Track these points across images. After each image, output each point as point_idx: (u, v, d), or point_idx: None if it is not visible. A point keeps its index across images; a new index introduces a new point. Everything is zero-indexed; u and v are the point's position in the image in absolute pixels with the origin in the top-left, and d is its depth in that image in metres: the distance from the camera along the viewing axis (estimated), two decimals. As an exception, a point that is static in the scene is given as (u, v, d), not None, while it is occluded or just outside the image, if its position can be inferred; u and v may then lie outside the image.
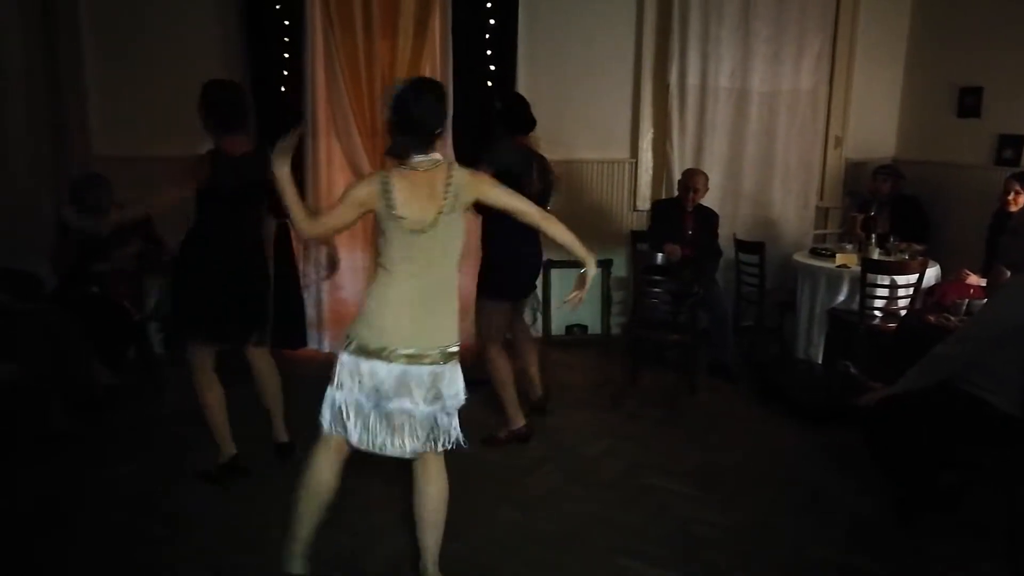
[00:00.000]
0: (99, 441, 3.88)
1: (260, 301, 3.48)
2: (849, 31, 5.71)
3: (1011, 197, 4.42)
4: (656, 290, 4.61)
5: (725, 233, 5.30)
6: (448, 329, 2.47)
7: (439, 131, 2.46)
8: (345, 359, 2.42)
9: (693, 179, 4.98)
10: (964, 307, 3.88)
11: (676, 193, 5.16)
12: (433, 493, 2.56)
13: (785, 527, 3.11)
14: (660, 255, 4.71)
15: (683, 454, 3.79)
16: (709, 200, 5.28)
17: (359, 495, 3.34)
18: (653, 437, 4.02)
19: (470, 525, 3.02)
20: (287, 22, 4.91)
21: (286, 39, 4.93)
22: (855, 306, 4.51)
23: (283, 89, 4.99)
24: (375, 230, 2.45)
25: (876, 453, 3.15)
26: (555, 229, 2.61)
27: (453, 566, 2.79)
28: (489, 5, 5.08)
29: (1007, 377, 2.78)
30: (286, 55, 4.96)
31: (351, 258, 5.36)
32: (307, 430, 3.95)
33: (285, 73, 4.98)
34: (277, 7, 4.91)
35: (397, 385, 2.39)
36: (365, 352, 2.38)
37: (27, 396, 3.65)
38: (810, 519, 3.16)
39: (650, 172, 5.75)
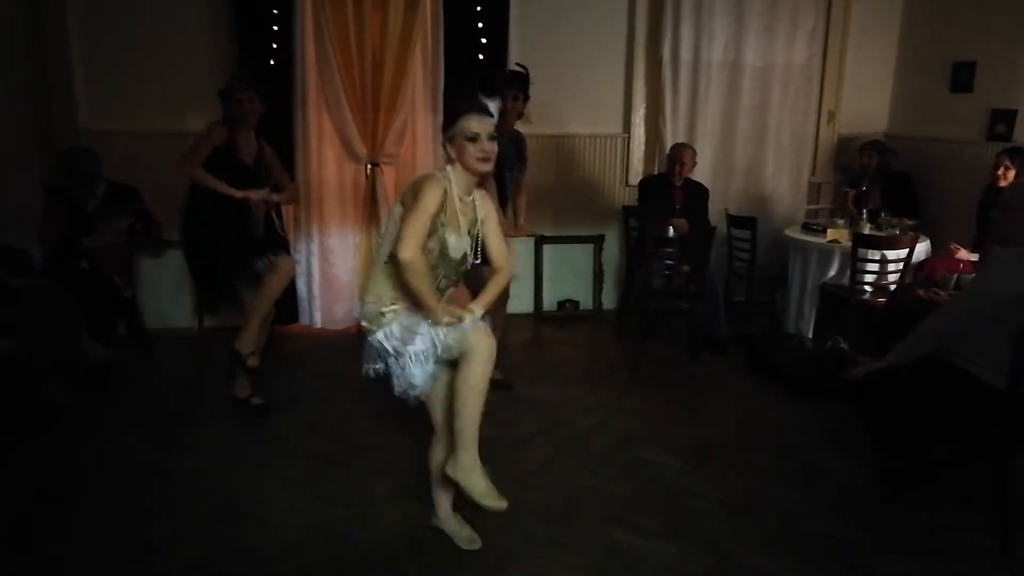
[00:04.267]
0: (95, 415, 3.88)
1: None
2: (843, 5, 5.69)
3: (1001, 172, 4.44)
4: (668, 262, 4.64)
5: (717, 208, 5.30)
6: None
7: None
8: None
9: (680, 153, 4.96)
10: (953, 281, 3.91)
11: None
12: None
13: (777, 499, 3.14)
14: (671, 228, 4.72)
15: (675, 427, 3.82)
16: (701, 175, 5.27)
17: (355, 468, 3.37)
18: (646, 410, 4.04)
19: (463, 498, 3.04)
20: (275, -7, 4.85)
21: (275, 11, 4.86)
22: (846, 281, 4.54)
23: (272, 62, 4.93)
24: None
25: (867, 425, 3.18)
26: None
27: (448, 539, 2.83)
28: (481, -23, 5.03)
29: (994, 350, 2.80)
30: (275, 27, 4.89)
31: (341, 234, 5.34)
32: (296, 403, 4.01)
33: (274, 46, 4.92)
34: (265, -21, 4.85)
35: None
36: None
37: (24, 370, 3.65)
38: (802, 491, 3.20)
39: (642, 147, 5.73)
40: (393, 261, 2.39)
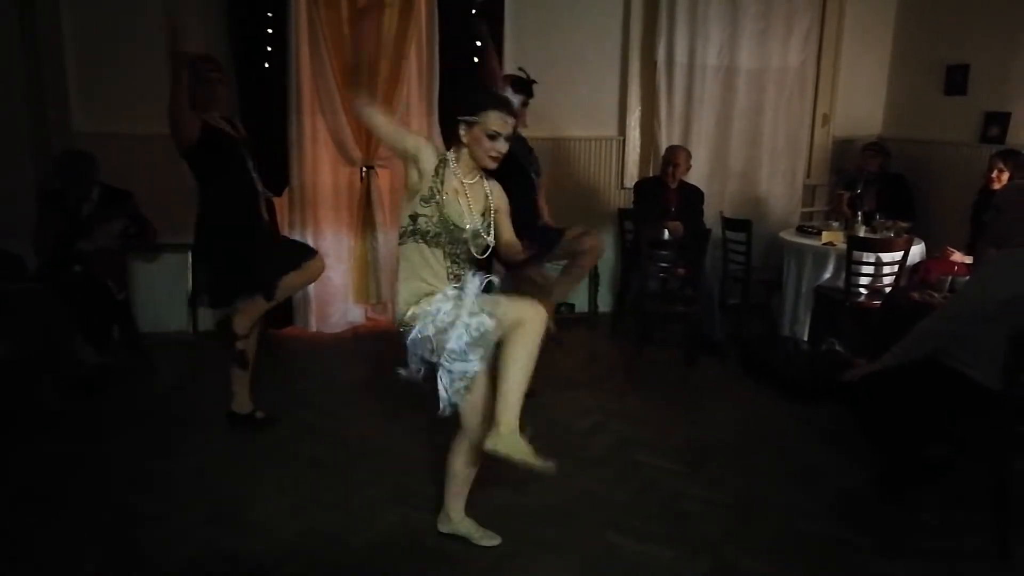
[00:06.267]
0: (89, 419, 3.86)
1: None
2: (837, 8, 5.72)
3: (995, 175, 4.45)
4: (664, 264, 4.63)
5: (712, 211, 5.30)
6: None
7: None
8: None
9: (674, 155, 4.97)
10: (948, 284, 3.92)
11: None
12: None
13: (773, 502, 3.14)
14: (666, 231, 4.72)
15: (673, 430, 3.82)
16: (696, 178, 5.28)
17: (350, 472, 3.35)
18: (643, 414, 4.04)
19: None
20: (270, -3, 4.84)
21: (269, 14, 4.85)
22: (841, 284, 4.54)
23: (267, 65, 4.92)
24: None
25: (864, 428, 3.18)
26: None
27: (444, 543, 2.82)
28: (476, -19, 5.02)
29: (989, 352, 2.80)
30: (269, 30, 4.88)
31: (336, 237, 5.33)
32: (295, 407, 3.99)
33: (268, 49, 4.91)
34: (259, -19, 4.84)
35: None
36: None
37: (17, 374, 3.63)
38: (798, 494, 3.20)
39: (638, 150, 5.74)
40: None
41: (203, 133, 3.40)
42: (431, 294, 2.46)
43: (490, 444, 2.38)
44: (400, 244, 2.54)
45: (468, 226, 2.49)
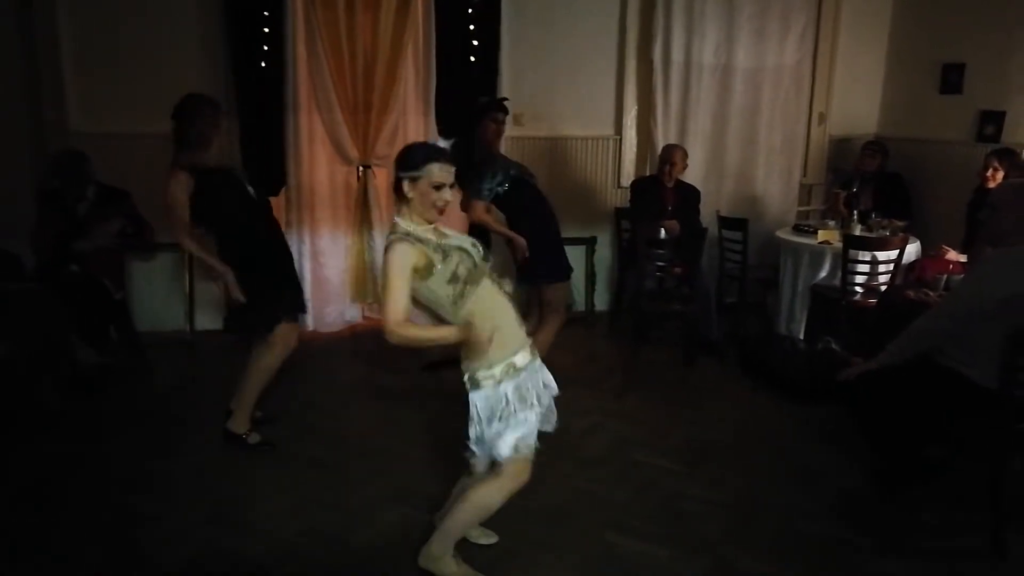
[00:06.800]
0: (89, 419, 3.86)
1: None
2: (833, 7, 5.72)
3: (990, 173, 4.47)
4: (660, 263, 4.64)
5: (709, 210, 5.32)
6: None
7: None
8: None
9: (671, 154, 4.98)
10: (943, 282, 3.93)
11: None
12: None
13: (772, 501, 3.15)
14: (663, 230, 4.72)
15: (670, 430, 3.83)
16: (693, 177, 5.29)
17: (349, 471, 3.36)
18: (640, 413, 4.05)
19: (460, 502, 3.04)
20: (267, -4, 4.84)
21: (266, 13, 4.85)
22: (837, 282, 4.56)
23: (263, 64, 4.91)
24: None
25: (862, 427, 3.20)
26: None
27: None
28: (472, -20, 5.03)
29: (985, 351, 2.82)
30: (266, 30, 4.88)
31: (333, 236, 5.33)
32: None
33: (265, 48, 4.90)
34: (256, -19, 4.83)
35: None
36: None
37: (17, 374, 3.63)
38: (796, 493, 3.21)
39: (634, 149, 5.75)
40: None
41: (196, 181, 3.32)
42: (512, 364, 2.44)
43: (422, 562, 2.61)
44: (462, 312, 2.42)
45: (468, 244, 2.51)
